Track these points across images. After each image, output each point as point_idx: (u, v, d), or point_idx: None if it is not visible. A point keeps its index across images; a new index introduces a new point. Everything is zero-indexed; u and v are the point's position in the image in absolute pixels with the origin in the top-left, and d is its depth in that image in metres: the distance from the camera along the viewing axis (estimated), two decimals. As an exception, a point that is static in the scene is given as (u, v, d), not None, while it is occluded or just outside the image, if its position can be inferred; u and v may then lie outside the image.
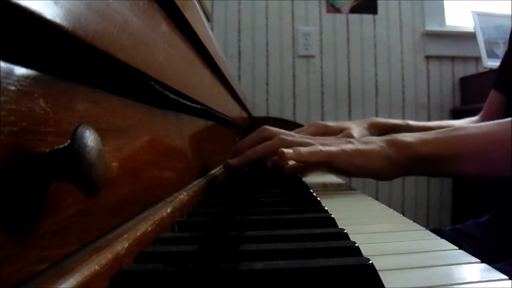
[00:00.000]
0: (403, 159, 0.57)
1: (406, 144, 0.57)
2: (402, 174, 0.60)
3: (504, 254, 0.66)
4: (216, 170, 0.67)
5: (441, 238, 0.33)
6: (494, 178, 0.64)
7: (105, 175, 0.19)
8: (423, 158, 0.57)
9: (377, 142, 0.59)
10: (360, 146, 0.58)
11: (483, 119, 0.90)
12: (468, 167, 0.58)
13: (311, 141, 0.60)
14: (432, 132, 0.60)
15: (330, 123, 0.78)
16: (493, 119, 0.86)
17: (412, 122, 0.87)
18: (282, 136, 0.61)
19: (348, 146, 0.58)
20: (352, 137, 0.69)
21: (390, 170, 0.58)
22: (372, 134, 0.78)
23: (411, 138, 0.58)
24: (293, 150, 0.56)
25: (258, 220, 0.36)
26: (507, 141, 0.54)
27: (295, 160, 0.58)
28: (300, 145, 0.58)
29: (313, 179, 0.78)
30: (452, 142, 0.57)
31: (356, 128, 0.77)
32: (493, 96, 0.90)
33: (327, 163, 0.58)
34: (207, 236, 0.30)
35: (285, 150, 0.55)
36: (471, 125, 0.60)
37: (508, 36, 0.88)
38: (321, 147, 0.57)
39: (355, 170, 0.58)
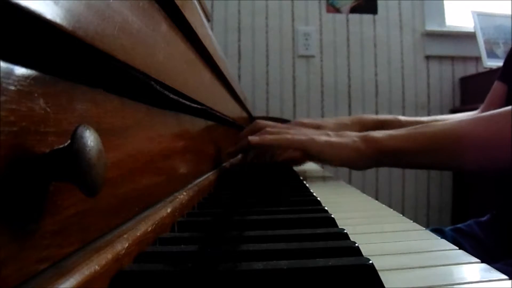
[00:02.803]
0: (371, 152, 0.65)
1: (375, 139, 0.65)
2: (373, 166, 0.67)
3: (504, 253, 0.66)
4: (217, 170, 0.67)
5: (442, 237, 0.33)
6: (453, 170, 0.75)
7: (105, 175, 0.19)
8: (388, 151, 0.64)
9: (351, 137, 0.67)
10: (333, 139, 0.66)
11: (482, 111, 0.90)
12: (430, 160, 0.65)
13: (291, 131, 0.69)
14: (404, 129, 0.67)
15: (307, 121, 0.85)
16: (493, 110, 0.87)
17: (402, 118, 0.90)
18: (267, 129, 0.72)
19: (321, 138, 0.66)
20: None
21: (359, 161, 0.66)
22: (356, 131, 0.82)
23: (381, 134, 0.66)
24: (259, 136, 0.67)
25: (258, 220, 0.36)
26: (464, 137, 0.61)
27: (259, 145, 0.68)
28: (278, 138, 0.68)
29: (312, 178, 0.78)
30: (416, 137, 0.64)
31: (332, 127, 0.84)
32: (496, 88, 0.90)
33: (296, 149, 0.68)
34: (207, 236, 0.30)
35: (251, 137, 0.67)
36: (442, 122, 0.67)
37: (508, 36, 0.89)
38: (288, 136, 0.66)
39: (325, 158, 0.66)
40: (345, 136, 0.67)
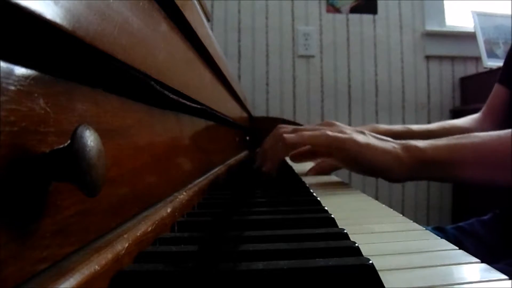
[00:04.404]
0: (413, 162, 0.59)
1: (418, 148, 0.59)
2: (410, 178, 0.61)
3: (507, 253, 0.66)
4: (216, 170, 0.67)
5: (444, 236, 0.33)
6: (502, 186, 0.65)
7: (105, 175, 0.19)
8: (433, 162, 0.59)
9: (390, 142, 0.61)
10: (372, 141, 0.59)
11: (485, 115, 0.90)
12: (478, 174, 0.59)
13: (328, 131, 0.62)
14: (444, 138, 0.62)
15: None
16: (496, 114, 0.87)
17: (414, 127, 0.88)
18: (301, 131, 0.63)
19: (359, 137, 0.59)
20: None
21: (398, 171, 0.59)
22: None
23: (423, 143, 0.60)
24: (296, 134, 0.58)
25: (258, 220, 0.36)
26: None
27: (298, 143, 0.59)
28: (316, 138, 0.61)
29: (312, 178, 0.78)
30: (463, 149, 0.59)
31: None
32: (497, 91, 0.90)
33: (335, 149, 0.59)
34: (207, 236, 0.30)
35: (287, 135, 0.57)
36: (483, 133, 0.61)
37: (508, 36, 0.88)
38: (328, 132, 0.59)
39: (363, 162, 0.59)
40: (384, 140, 0.61)
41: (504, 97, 0.87)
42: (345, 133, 0.61)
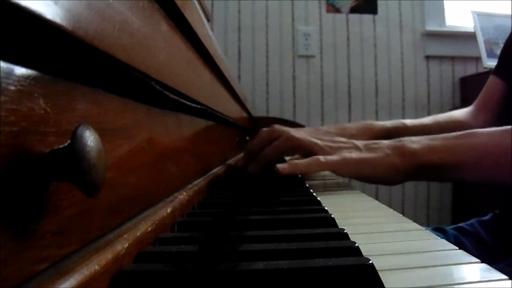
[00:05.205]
0: (408, 167, 0.58)
1: (413, 152, 0.58)
2: (406, 180, 0.61)
3: (507, 253, 0.65)
4: (216, 170, 0.67)
5: (444, 237, 0.33)
6: (502, 186, 0.64)
7: (105, 175, 0.19)
8: (429, 166, 0.58)
9: (383, 149, 0.60)
10: (365, 155, 0.59)
11: (478, 108, 0.89)
12: (475, 175, 0.58)
13: (318, 142, 0.61)
14: (439, 137, 0.60)
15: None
16: (490, 106, 0.86)
17: (408, 122, 0.86)
18: (291, 134, 0.63)
19: (352, 155, 0.59)
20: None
21: (393, 177, 0.59)
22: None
23: (418, 145, 0.59)
24: (289, 164, 0.58)
25: (258, 220, 0.36)
26: None
27: (292, 174, 0.59)
28: (305, 144, 0.61)
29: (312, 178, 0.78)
30: (460, 150, 0.57)
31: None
32: (492, 82, 0.88)
33: (330, 171, 0.60)
34: (207, 236, 0.30)
35: (280, 165, 0.58)
36: (480, 130, 0.60)
37: (508, 36, 0.87)
38: (321, 158, 0.58)
39: (359, 178, 0.60)
40: (376, 149, 0.60)
41: (499, 89, 0.86)
42: (335, 151, 0.60)
